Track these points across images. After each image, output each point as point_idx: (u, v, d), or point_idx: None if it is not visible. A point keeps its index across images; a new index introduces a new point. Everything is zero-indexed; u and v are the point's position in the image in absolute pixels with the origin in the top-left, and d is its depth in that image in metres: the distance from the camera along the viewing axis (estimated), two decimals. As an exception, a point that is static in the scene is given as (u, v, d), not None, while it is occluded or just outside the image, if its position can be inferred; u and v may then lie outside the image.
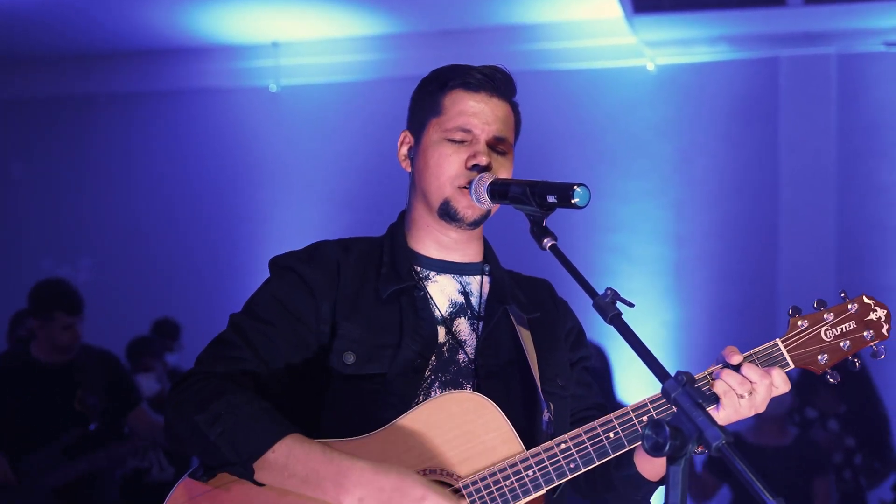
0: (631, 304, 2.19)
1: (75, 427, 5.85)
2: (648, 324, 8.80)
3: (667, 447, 1.96)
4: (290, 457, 2.28)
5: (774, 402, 7.25)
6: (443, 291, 2.61)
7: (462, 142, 2.54)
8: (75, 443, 5.81)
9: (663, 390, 2.03)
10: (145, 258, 10.10)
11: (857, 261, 8.61)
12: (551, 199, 2.34)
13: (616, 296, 2.18)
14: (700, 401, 1.98)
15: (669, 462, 1.99)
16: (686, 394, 1.99)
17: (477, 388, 2.52)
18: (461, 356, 2.55)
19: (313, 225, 9.38)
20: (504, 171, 2.56)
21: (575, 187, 2.33)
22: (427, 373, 2.51)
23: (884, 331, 2.52)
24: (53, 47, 10.03)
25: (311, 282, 2.53)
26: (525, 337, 2.59)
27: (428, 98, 2.63)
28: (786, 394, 6.34)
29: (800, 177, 8.68)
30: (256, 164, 9.97)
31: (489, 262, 2.70)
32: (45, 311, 5.93)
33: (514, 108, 2.67)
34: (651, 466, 2.51)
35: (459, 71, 2.61)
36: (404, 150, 2.67)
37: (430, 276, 2.62)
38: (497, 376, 2.54)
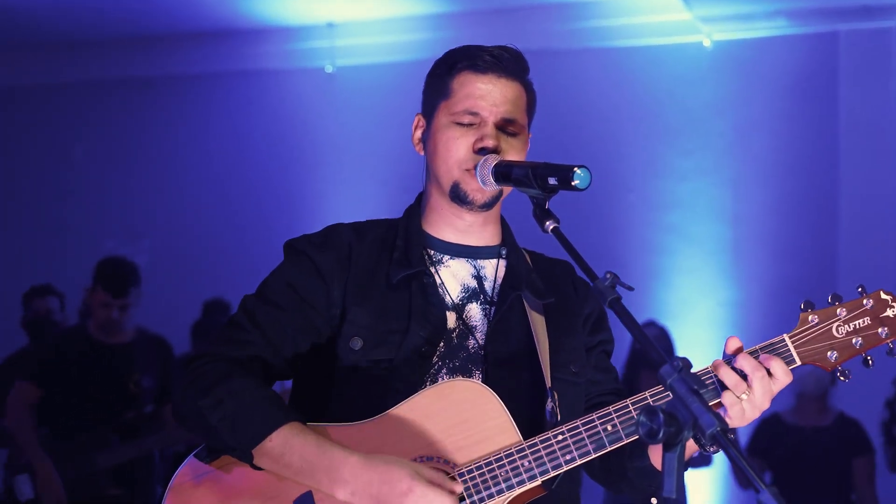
0: (630, 288, 2.14)
1: (128, 408, 5.93)
2: (705, 303, 8.72)
3: (661, 434, 1.93)
4: (286, 446, 2.30)
5: (813, 380, 7.08)
6: (455, 276, 2.59)
7: (470, 125, 2.52)
8: (129, 424, 5.89)
9: (659, 376, 2.00)
10: (202, 239, 10.20)
11: (920, 238, 8.45)
12: (552, 181, 2.30)
13: (616, 279, 2.13)
14: (696, 387, 1.95)
15: (665, 449, 1.96)
16: (682, 380, 1.95)
17: (485, 375, 2.50)
18: (471, 342, 2.53)
19: (367, 206, 9.38)
20: (514, 153, 2.52)
21: (575, 169, 2.27)
22: (434, 359, 2.49)
23: None
24: (113, 30, 10.14)
25: (323, 266, 2.53)
26: (538, 323, 2.56)
27: (437, 81, 2.60)
28: (825, 372, 6.28)
29: (859, 153, 8.52)
30: (312, 145, 10.02)
31: (506, 246, 2.67)
32: (94, 282, 6.03)
33: (527, 87, 2.62)
34: None
35: (468, 53, 2.58)
36: (418, 133, 2.65)
37: (444, 259, 2.60)
38: (506, 364, 2.52)
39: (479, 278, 2.60)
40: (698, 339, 8.44)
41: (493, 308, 2.57)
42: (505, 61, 2.56)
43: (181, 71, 10.41)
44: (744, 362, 2.34)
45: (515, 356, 2.53)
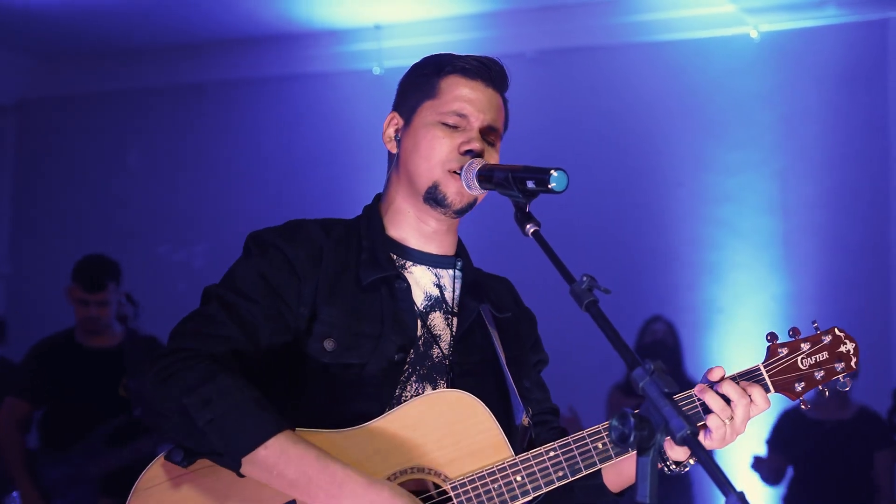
0: (608, 292, 2.14)
1: (119, 413, 5.87)
2: (757, 298, 8.61)
3: (632, 437, 1.94)
4: (282, 456, 2.21)
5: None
6: (418, 283, 2.59)
7: (456, 126, 2.53)
8: (119, 430, 5.84)
9: (632, 379, 2.00)
10: (255, 243, 10.27)
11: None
12: (530, 184, 2.31)
13: (593, 282, 2.13)
14: (668, 390, 1.95)
15: (639, 453, 1.96)
16: (653, 383, 1.96)
17: (451, 385, 2.50)
18: (435, 351, 2.54)
19: (416, 206, 9.40)
20: (492, 161, 2.55)
21: (552, 172, 2.28)
22: (406, 366, 2.49)
23: (852, 363, 2.61)
24: (163, 38, 10.27)
25: (295, 261, 2.48)
26: (496, 337, 2.58)
27: (422, 80, 2.62)
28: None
29: (911, 142, 8.37)
30: (361, 147, 10.04)
31: (461, 258, 2.68)
32: (71, 279, 6.03)
33: (505, 103, 2.66)
34: (617, 479, 2.54)
35: (457, 57, 2.61)
36: (391, 131, 2.66)
37: (407, 265, 2.59)
38: (471, 374, 2.53)
39: (439, 287, 2.61)
40: (751, 334, 8.34)
41: (454, 318, 2.58)
42: (493, 72, 2.60)
43: (231, 76, 10.50)
44: (729, 389, 2.41)
45: (479, 367, 2.55)
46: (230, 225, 10.36)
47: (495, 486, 2.34)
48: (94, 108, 11.00)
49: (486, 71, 2.57)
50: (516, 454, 2.39)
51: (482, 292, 2.63)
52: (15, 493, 5.71)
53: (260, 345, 2.40)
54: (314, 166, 10.23)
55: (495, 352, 2.55)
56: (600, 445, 2.39)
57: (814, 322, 2.62)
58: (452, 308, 2.59)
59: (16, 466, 5.82)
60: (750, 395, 2.42)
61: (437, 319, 2.57)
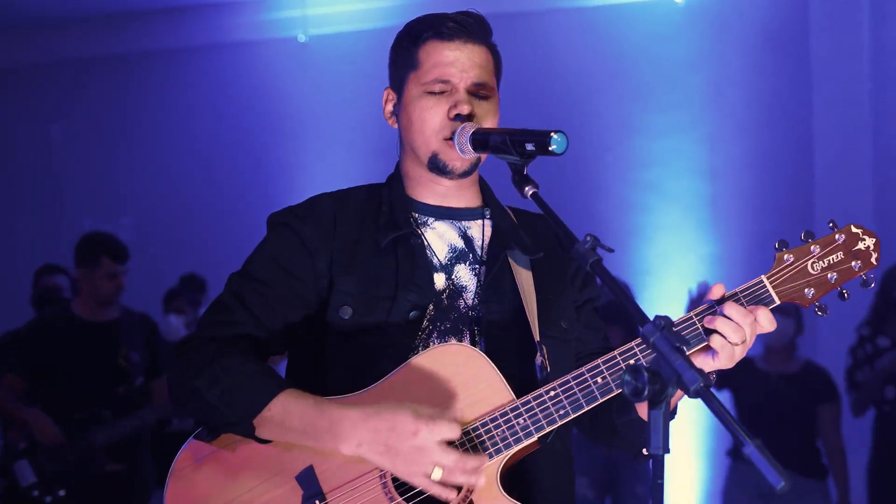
0: (611, 250, 2.19)
1: (120, 384, 5.96)
2: (685, 259, 8.77)
3: (646, 392, 1.99)
4: (286, 412, 2.34)
5: (777, 334, 7.27)
6: (441, 237, 2.61)
7: (442, 93, 2.53)
8: (121, 400, 5.92)
9: (642, 334, 2.05)
10: (183, 214, 10.19)
11: (895, 188, 8.50)
12: (530, 147, 2.34)
13: (596, 241, 2.17)
14: (678, 344, 2.00)
15: (650, 406, 2.02)
16: (664, 338, 2.00)
17: (477, 335, 2.53)
18: (461, 303, 2.56)
19: (347, 174, 9.31)
20: (489, 117, 2.55)
21: (552, 134, 2.31)
22: (425, 323, 2.52)
23: (872, 259, 2.48)
24: (85, 8, 10.10)
25: (306, 238, 2.54)
26: (526, 280, 2.59)
27: (404, 53, 2.60)
28: (788, 324, 6.41)
29: (833, 103, 8.55)
30: (288, 115, 10.00)
31: (489, 206, 2.68)
32: (92, 257, 6.01)
33: (493, 50, 2.63)
34: None
35: (431, 21, 2.58)
36: (389, 107, 2.65)
37: (429, 221, 2.61)
38: (497, 323, 2.55)
39: (466, 238, 2.63)
40: (680, 295, 8.50)
41: (482, 268, 2.59)
42: (469, 26, 2.57)
43: (155, 47, 10.37)
44: (734, 312, 2.36)
45: (506, 315, 2.56)
46: (156, 196, 10.28)
47: (498, 430, 2.38)
48: (15, 81, 10.78)
49: (461, 28, 2.55)
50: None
51: (510, 237, 2.63)
52: (24, 461, 5.67)
53: (274, 324, 2.52)
54: (240, 135, 10.16)
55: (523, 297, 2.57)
56: (599, 380, 2.41)
57: (830, 222, 2.48)
58: (481, 257, 2.61)
59: (16, 408, 5.79)
60: (755, 316, 2.38)
61: (462, 271, 2.59)
